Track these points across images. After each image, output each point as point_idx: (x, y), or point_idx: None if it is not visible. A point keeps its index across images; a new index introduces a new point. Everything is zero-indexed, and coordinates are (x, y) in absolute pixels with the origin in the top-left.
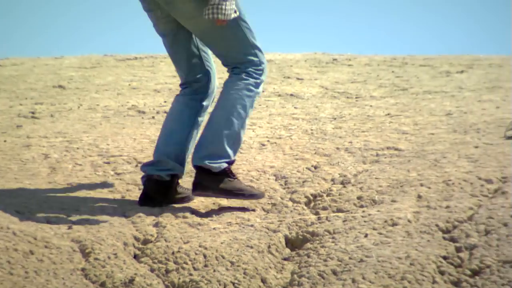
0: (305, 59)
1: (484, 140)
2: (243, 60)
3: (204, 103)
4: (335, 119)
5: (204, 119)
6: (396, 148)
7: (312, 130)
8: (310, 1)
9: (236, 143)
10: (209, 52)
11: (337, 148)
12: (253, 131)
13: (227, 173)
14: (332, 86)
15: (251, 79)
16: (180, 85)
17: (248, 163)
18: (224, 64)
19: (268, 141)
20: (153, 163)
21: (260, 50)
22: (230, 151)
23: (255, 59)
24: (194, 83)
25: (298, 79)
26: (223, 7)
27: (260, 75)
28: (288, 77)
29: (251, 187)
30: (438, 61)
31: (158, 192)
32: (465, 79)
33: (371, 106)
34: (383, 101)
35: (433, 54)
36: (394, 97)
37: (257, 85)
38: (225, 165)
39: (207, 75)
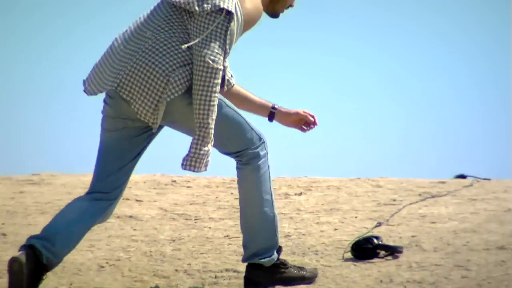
0: (144, 181)
1: (322, 262)
2: (243, 146)
3: (102, 215)
4: (174, 240)
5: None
6: (235, 270)
7: (151, 252)
8: None
9: (276, 228)
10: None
11: (176, 270)
12: (91, 253)
13: (278, 265)
14: (171, 208)
15: (258, 163)
16: (91, 189)
17: (86, 285)
18: (224, 153)
19: (106, 263)
20: (42, 237)
21: (253, 127)
22: (275, 239)
23: (253, 138)
24: (107, 194)
25: (137, 200)
26: (203, 161)
27: (263, 149)
28: (127, 199)
29: (301, 270)
30: (276, 183)
31: (32, 264)
32: (303, 201)
33: (210, 227)
34: (222, 222)
35: (272, 176)
36: (233, 219)
37: (265, 162)
38: (276, 256)
39: (120, 193)
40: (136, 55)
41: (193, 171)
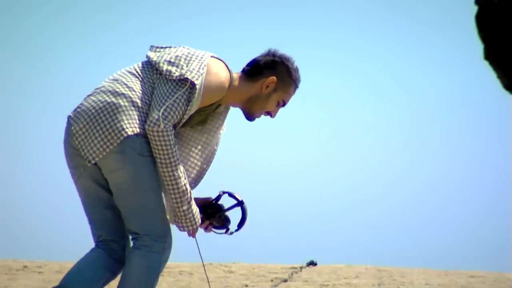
0: None
1: None
2: (143, 231)
3: (118, 265)
4: None
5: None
6: None
7: None
8: None
9: None
10: None
11: None
12: None
13: None
14: None
15: (149, 253)
16: (97, 243)
17: None
18: (126, 229)
19: None
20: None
21: (166, 224)
22: None
23: (157, 231)
24: (112, 243)
25: None
26: (188, 218)
27: (162, 246)
28: None
29: None
30: None
31: None
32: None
33: None
34: None
35: None
36: None
37: (157, 258)
38: None
39: (125, 238)
40: (100, 92)
41: (183, 230)
